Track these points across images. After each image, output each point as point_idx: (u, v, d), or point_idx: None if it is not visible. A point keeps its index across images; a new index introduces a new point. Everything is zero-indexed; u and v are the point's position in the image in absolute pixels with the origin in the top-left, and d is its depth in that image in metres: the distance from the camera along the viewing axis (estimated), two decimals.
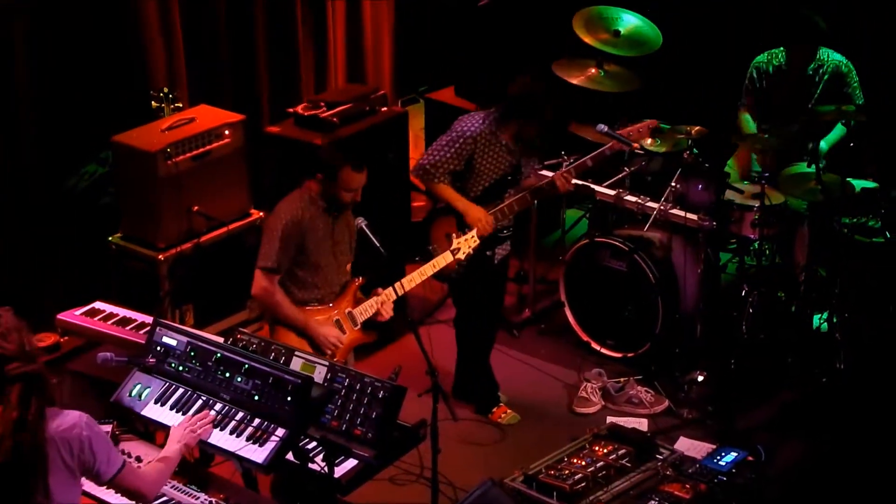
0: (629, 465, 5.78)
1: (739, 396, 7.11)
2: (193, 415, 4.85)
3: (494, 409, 7.13)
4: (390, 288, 6.14)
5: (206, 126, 6.96)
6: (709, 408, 7.08)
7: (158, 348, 5.14)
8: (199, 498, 4.66)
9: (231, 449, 4.78)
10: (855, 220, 7.32)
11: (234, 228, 7.11)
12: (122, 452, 4.86)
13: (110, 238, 7.01)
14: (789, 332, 7.43)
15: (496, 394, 7.20)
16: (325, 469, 4.77)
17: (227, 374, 4.96)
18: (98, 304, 6.13)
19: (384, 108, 7.78)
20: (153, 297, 6.80)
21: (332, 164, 5.95)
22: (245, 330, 5.63)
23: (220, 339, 5.30)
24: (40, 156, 7.20)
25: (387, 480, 6.22)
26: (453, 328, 7.28)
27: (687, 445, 6.46)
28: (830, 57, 7.55)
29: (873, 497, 6.35)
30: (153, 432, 5.10)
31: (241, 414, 4.87)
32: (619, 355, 7.58)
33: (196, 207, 6.90)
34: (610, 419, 6.74)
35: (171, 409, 4.99)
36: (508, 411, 7.13)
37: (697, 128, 7.39)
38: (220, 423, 4.87)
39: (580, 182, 7.68)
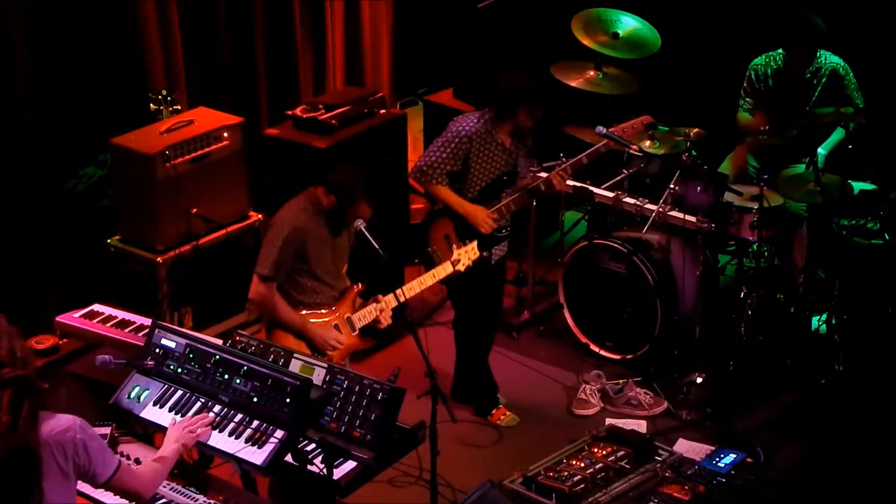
0: (628, 466, 5.79)
1: (738, 398, 7.11)
2: (192, 416, 4.85)
3: (493, 411, 7.13)
4: (391, 294, 6.13)
5: (204, 128, 6.96)
6: (708, 409, 7.08)
7: (157, 350, 5.14)
8: (198, 500, 4.66)
9: (230, 451, 4.77)
10: (854, 221, 7.32)
11: (233, 231, 7.11)
12: (122, 455, 4.87)
13: (109, 240, 7.01)
14: (788, 333, 7.43)
15: (495, 395, 7.20)
16: (324, 471, 4.77)
17: (226, 376, 4.96)
18: (97, 307, 6.12)
19: (383, 111, 7.78)
20: (152, 300, 6.80)
21: (349, 194, 5.92)
22: (244, 332, 5.63)
23: (219, 342, 5.29)
24: (39, 158, 7.20)
25: (386, 482, 6.22)
26: (452, 330, 7.28)
27: (686, 447, 6.47)
28: (828, 59, 7.56)
29: (873, 498, 6.35)
30: (152, 434, 5.09)
31: (239, 416, 4.87)
32: (617, 357, 7.58)
33: (195, 210, 6.90)
34: (609, 421, 6.73)
35: (170, 411, 4.98)
36: (508, 413, 7.14)
37: (696, 130, 7.39)
38: (219, 425, 4.86)
39: (579, 184, 7.68)
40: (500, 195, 6.83)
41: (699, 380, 7.28)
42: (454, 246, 6.47)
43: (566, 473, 5.68)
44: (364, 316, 6.12)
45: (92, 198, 7.43)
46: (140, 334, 5.69)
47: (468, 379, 7.19)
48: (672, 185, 7.33)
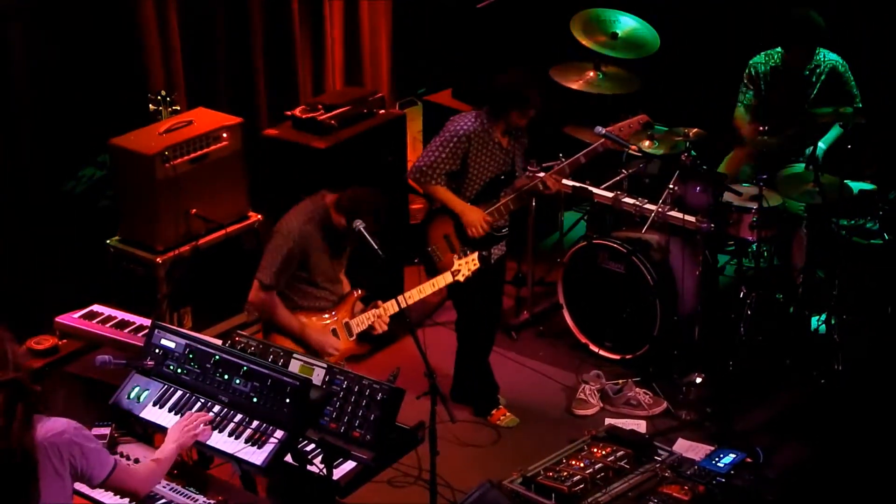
0: (628, 466, 5.79)
1: (738, 398, 7.11)
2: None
3: (493, 412, 7.13)
4: (391, 301, 6.12)
5: (203, 129, 6.96)
6: (707, 409, 7.08)
7: (157, 351, 5.15)
8: (197, 500, 4.66)
9: (230, 451, 4.78)
10: (853, 221, 7.32)
11: (232, 231, 7.10)
12: (121, 455, 4.87)
13: (108, 241, 7.00)
14: (787, 333, 7.43)
15: (496, 396, 7.20)
16: (324, 471, 4.77)
17: (226, 377, 4.97)
18: (96, 307, 6.13)
19: (382, 111, 7.79)
20: (151, 300, 6.80)
21: (356, 219, 5.93)
22: (243, 332, 5.64)
23: (219, 342, 5.30)
24: (38, 159, 7.19)
25: (385, 482, 6.22)
26: (451, 330, 7.28)
27: (685, 447, 6.47)
28: (826, 57, 7.56)
29: (872, 498, 6.35)
30: (152, 435, 5.10)
31: (239, 416, 4.88)
32: (617, 357, 7.58)
33: (194, 210, 6.89)
34: (608, 421, 6.73)
35: (170, 411, 4.99)
36: (507, 414, 7.13)
37: (695, 130, 7.39)
38: (218, 425, 4.87)
39: (578, 184, 7.69)
40: (499, 195, 6.83)
41: (698, 380, 7.28)
42: (455, 257, 6.46)
43: (566, 473, 5.68)
44: (362, 322, 6.12)
45: (91, 198, 7.43)
46: (140, 335, 5.69)
47: (468, 379, 7.19)
48: (671, 186, 7.33)
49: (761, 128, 7.48)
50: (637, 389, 7.20)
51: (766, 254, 7.51)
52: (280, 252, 5.91)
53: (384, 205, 6.04)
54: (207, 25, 7.89)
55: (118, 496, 4.57)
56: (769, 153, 7.52)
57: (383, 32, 8.90)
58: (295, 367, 5.14)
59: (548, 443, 6.49)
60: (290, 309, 6.01)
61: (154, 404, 5.04)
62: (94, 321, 5.98)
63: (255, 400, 4.87)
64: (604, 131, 7.02)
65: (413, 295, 6.20)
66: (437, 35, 9.23)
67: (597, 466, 5.72)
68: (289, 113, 7.64)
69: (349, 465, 4.89)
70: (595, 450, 5.91)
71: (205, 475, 4.93)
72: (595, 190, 7.71)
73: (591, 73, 8.12)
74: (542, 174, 6.97)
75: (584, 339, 7.70)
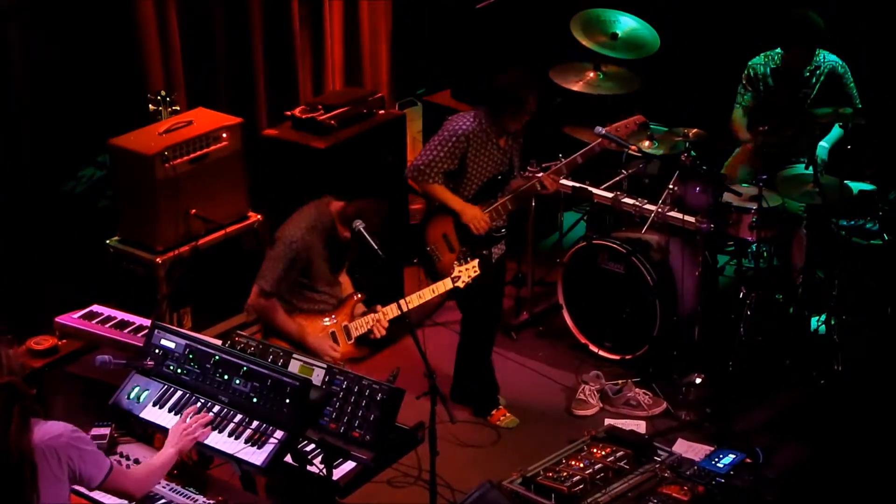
0: (627, 467, 5.79)
1: (737, 398, 7.11)
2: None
3: (493, 412, 7.13)
4: (392, 305, 6.11)
5: (203, 129, 6.95)
6: (707, 410, 7.08)
7: (157, 351, 5.15)
8: (197, 500, 4.66)
9: (229, 451, 4.78)
10: (853, 222, 7.32)
11: (232, 231, 7.10)
12: (121, 455, 4.87)
13: (108, 241, 7.00)
14: (787, 334, 7.43)
15: (496, 396, 7.20)
16: (324, 471, 4.77)
17: (226, 377, 4.97)
18: (96, 307, 6.13)
19: (382, 111, 7.79)
20: (151, 300, 6.79)
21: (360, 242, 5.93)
22: (243, 332, 5.65)
23: (219, 342, 5.30)
24: (38, 159, 7.19)
25: (385, 482, 6.22)
26: (451, 330, 7.29)
27: (685, 447, 6.48)
28: (826, 58, 7.56)
29: (872, 499, 6.35)
30: (152, 435, 5.09)
31: (239, 416, 4.88)
32: (617, 357, 7.59)
33: (194, 210, 6.89)
34: (608, 421, 6.73)
35: (170, 411, 4.99)
36: (507, 414, 7.13)
37: (695, 130, 7.38)
38: (218, 426, 4.87)
39: (578, 184, 7.69)
40: (496, 195, 6.83)
41: (698, 380, 7.28)
42: (456, 263, 6.45)
43: (565, 474, 5.68)
44: (361, 325, 6.11)
45: (91, 198, 7.43)
46: (139, 335, 5.70)
47: (467, 379, 7.19)
48: (671, 186, 7.33)
49: (761, 128, 7.48)
50: (637, 390, 7.20)
51: (765, 254, 7.51)
52: (282, 260, 5.90)
53: (387, 215, 6.04)
54: (207, 25, 7.88)
55: (114, 497, 4.57)
56: (769, 154, 7.52)
57: (383, 33, 8.90)
58: (295, 367, 5.14)
59: (547, 443, 6.49)
60: (289, 312, 6.00)
61: (154, 404, 5.04)
62: (94, 321, 5.98)
63: (254, 400, 4.87)
64: (604, 131, 7.03)
65: (413, 300, 6.20)
66: (436, 35, 9.23)
67: (596, 467, 5.72)
68: (288, 113, 7.64)
69: (349, 465, 4.89)
70: (595, 450, 5.91)
71: (204, 475, 4.93)
72: (595, 190, 7.71)
73: (591, 74, 8.13)
74: (540, 174, 6.98)
75: (583, 340, 7.70)
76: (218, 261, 7.02)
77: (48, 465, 4.09)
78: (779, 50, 7.62)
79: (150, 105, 7.16)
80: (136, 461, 4.82)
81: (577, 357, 7.66)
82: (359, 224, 5.91)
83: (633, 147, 7.47)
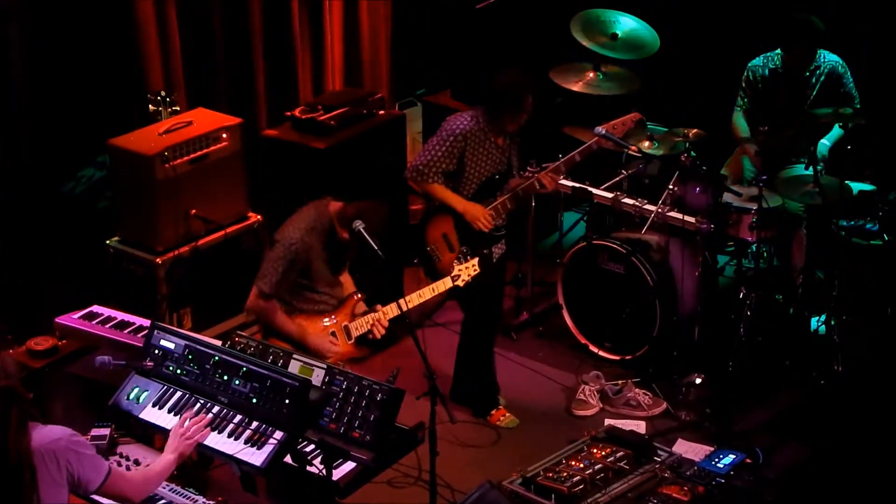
0: (627, 467, 5.79)
1: (737, 399, 7.11)
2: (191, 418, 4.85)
3: (493, 412, 7.12)
4: (392, 304, 6.11)
5: (203, 129, 6.95)
6: (707, 410, 7.07)
7: (156, 351, 5.15)
8: (197, 500, 4.66)
9: (229, 452, 4.78)
10: (853, 222, 7.32)
11: (232, 232, 7.10)
12: (121, 456, 4.87)
13: (108, 241, 7.00)
14: (787, 334, 7.43)
15: (496, 396, 7.19)
16: (324, 472, 4.77)
17: (225, 377, 4.97)
18: (96, 308, 6.13)
19: (381, 112, 7.79)
20: (151, 301, 6.79)
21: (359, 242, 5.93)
22: (243, 333, 5.64)
23: (218, 342, 5.30)
24: (38, 159, 7.19)
25: (385, 483, 6.22)
26: (451, 331, 7.28)
27: (685, 448, 6.48)
28: (826, 58, 7.55)
29: (872, 498, 6.35)
30: (151, 435, 5.09)
31: (239, 417, 4.88)
32: (617, 358, 7.58)
33: (194, 211, 6.89)
34: (608, 421, 6.73)
35: (170, 412, 4.99)
36: (507, 414, 7.13)
37: (695, 130, 7.38)
38: (218, 426, 4.87)
39: (578, 185, 7.69)
40: (495, 194, 6.84)
41: (698, 380, 7.27)
42: (455, 261, 6.45)
43: (565, 474, 5.68)
44: (361, 325, 6.11)
45: (91, 199, 7.43)
46: (139, 335, 5.70)
47: (467, 380, 7.18)
48: (671, 186, 7.33)
49: (761, 128, 7.48)
50: (637, 390, 7.20)
51: (765, 254, 7.52)
52: (281, 262, 5.90)
53: (386, 216, 6.04)
54: (207, 25, 7.88)
55: (112, 500, 4.56)
56: (769, 154, 7.51)
57: (383, 33, 8.90)
58: (294, 367, 5.14)
59: (547, 443, 6.49)
60: (289, 313, 6.00)
61: (153, 405, 5.04)
62: (94, 322, 5.99)
63: (254, 401, 4.87)
64: (603, 132, 7.03)
65: (413, 299, 6.20)
66: (436, 35, 9.23)
67: (596, 467, 5.72)
68: (288, 113, 7.64)
69: (349, 465, 4.89)
70: (595, 450, 5.92)
71: (204, 476, 4.93)
72: (595, 190, 7.71)
73: (591, 74, 8.12)
74: (539, 173, 6.98)
75: (583, 340, 7.70)
76: (218, 261, 7.02)
77: (47, 469, 4.09)
78: (779, 51, 7.62)
79: (149, 105, 7.16)
80: (136, 462, 4.82)
81: (577, 357, 7.66)
82: (359, 224, 5.91)
83: (633, 147, 7.47)
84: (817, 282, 7.50)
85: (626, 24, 8.25)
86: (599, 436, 6.09)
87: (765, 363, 7.33)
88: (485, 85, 6.93)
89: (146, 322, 5.78)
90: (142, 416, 5.03)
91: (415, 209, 8.05)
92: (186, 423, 4.80)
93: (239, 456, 4.76)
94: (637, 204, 7.50)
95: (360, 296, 6.19)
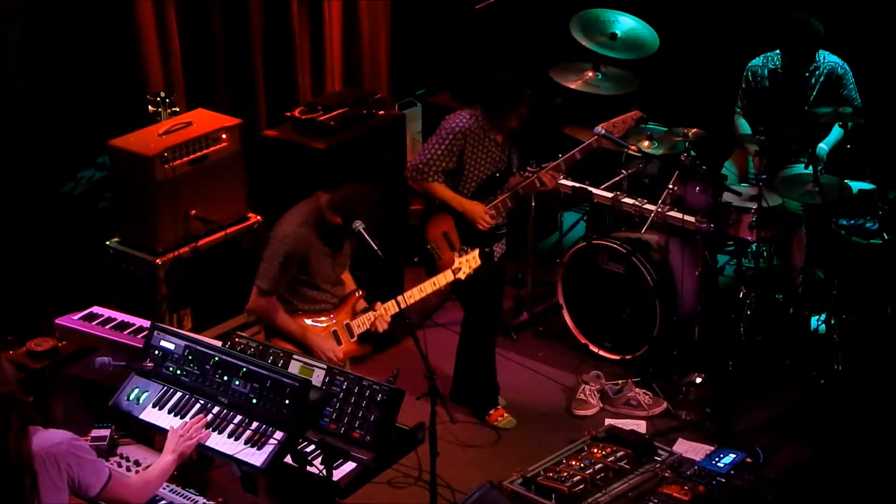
0: (627, 467, 5.79)
1: (737, 398, 7.11)
2: (191, 418, 4.85)
3: (492, 412, 7.12)
4: (391, 301, 6.12)
5: (203, 130, 6.95)
6: (707, 410, 7.07)
7: (156, 352, 5.15)
8: (197, 501, 4.66)
9: (229, 452, 4.78)
10: (852, 221, 7.32)
11: (232, 232, 7.10)
12: (121, 457, 4.87)
13: (108, 242, 7.00)
14: (787, 334, 7.43)
15: (495, 397, 7.19)
16: (324, 472, 4.77)
17: (226, 378, 4.97)
18: (96, 309, 6.13)
19: (381, 112, 7.79)
20: (151, 302, 6.79)
21: (354, 216, 5.91)
22: (243, 333, 5.64)
23: (218, 343, 5.30)
24: (37, 160, 7.19)
25: (385, 483, 6.22)
26: (451, 331, 7.28)
27: (685, 447, 6.48)
28: (826, 59, 7.55)
29: (872, 498, 6.34)
30: (152, 436, 5.09)
31: (239, 417, 4.88)
32: (617, 357, 7.58)
33: (193, 211, 6.89)
34: (608, 421, 6.73)
35: (170, 412, 4.99)
36: (505, 415, 7.12)
37: (695, 130, 7.38)
38: (218, 427, 4.87)
39: (577, 184, 7.69)
40: (496, 192, 6.84)
41: (698, 380, 7.28)
42: (456, 254, 6.45)
43: (565, 474, 5.68)
44: (362, 323, 6.11)
45: (91, 200, 7.43)
46: (139, 336, 5.69)
47: (467, 380, 7.18)
48: (671, 186, 7.33)
49: (760, 128, 7.48)
50: (637, 390, 7.20)
51: (765, 254, 7.52)
52: (276, 257, 5.90)
53: (378, 200, 6.03)
54: (207, 26, 7.89)
55: None
56: (770, 154, 7.52)
57: (382, 33, 8.90)
58: (294, 368, 5.14)
59: (547, 443, 6.49)
60: (290, 313, 6.00)
61: (154, 406, 5.04)
62: (94, 323, 5.98)
63: (254, 401, 4.87)
64: (603, 132, 7.03)
65: (414, 294, 6.20)
66: (436, 36, 9.23)
67: (597, 467, 5.72)
68: (288, 114, 7.64)
69: (349, 465, 4.89)
70: (595, 450, 5.92)
71: (205, 476, 4.92)
72: (594, 190, 7.72)
73: (591, 74, 8.12)
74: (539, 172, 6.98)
75: (583, 340, 7.70)
76: (218, 262, 7.02)
77: (47, 473, 4.09)
78: (778, 51, 7.62)
79: (149, 106, 7.16)
80: (136, 462, 4.82)
81: (577, 357, 7.66)
82: (359, 224, 5.91)
83: (633, 147, 7.47)
84: (817, 281, 7.50)
85: (625, 23, 8.25)
86: (600, 435, 6.09)
87: (765, 363, 7.33)
88: (483, 83, 6.93)
89: (146, 323, 5.77)
90: (142, 416, 5.03)
91: (415, 209, 8.05)
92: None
93: (239, 456, 4.76)
94: (637, 204, 7.50)
95: (360, 293, 6.19)
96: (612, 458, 5.83)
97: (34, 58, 7.07)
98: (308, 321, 6.02)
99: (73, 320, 6.03)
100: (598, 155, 7.19)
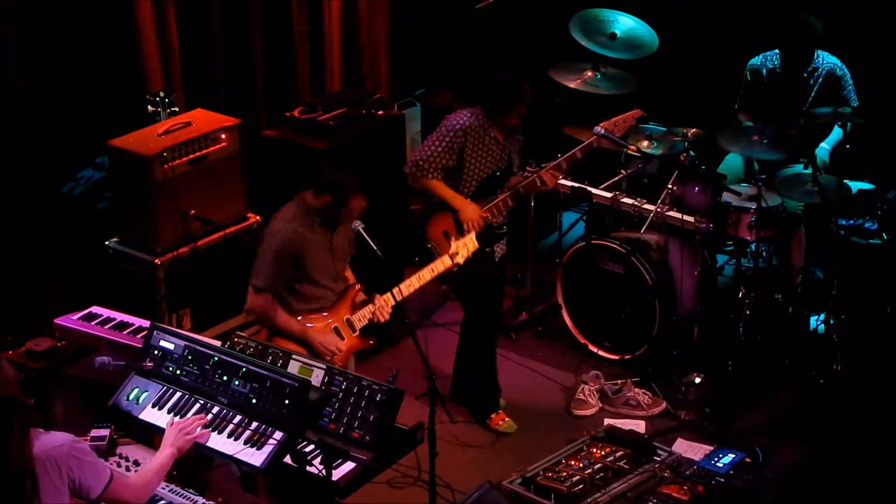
0: (627, 467, 5.79)
1: (737, 398, 7.11)
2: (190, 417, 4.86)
3: (493, 416, 7.09)
4: (388, 293, 6.13)
5: (202, 130, 6.95)
6: (706, 409, 7.07)
7: (156, 352, 5.15)
8: (197, 501, 4.66)
9: (229, 452, 4.78)
10: (852, 221, 7.32)
11: (231, 232, 7.10)
12: (120, 456, 4.87)
13: (107, 242, 7.00)
14: (786, 333, 7.43)
15: (496, 400, 7.15)
16: (323, 472, 4.77)
17: (225, 378, 4.97)
18: (95, 309, 6.13)
19: (381, 112, 7.79)
20: (150, 302, 6.79)
21: (342, 191, 5.90)
22: (242, 333, 5.64)
23: (218, 343, 5.30)
24: (37, 160, 7.19)
25: (385, 483, 6.22)
26: (451, 331, 7.28)
27: (684, 447, 6.48)
28: (825, 60, 7.55)
29: (871, 498, 6.35)
30: (151, 436, 5.09)
31: (238, 417, 4.88)
32: (616, 357, 7.58)
33: (193, 211, 6.89)
34: (607, 421, 6.74)
35: (169, 412, 4.99)
36: (506, 419, 7.09)
37: (694, 130, 7.38)
38: (217, 427, 4.87)
39: (577, 184, 7.69)
40: (496, 191, 6.83)
41: (698, 380, 7.28)
42: (452, 239, 6.46)
43: (565, 474, 5.68)
44: (363, 316, 6.11)
45: (90, 200, 7.43)
46: (138, 336, 5.69)
47: (467, 380, 7.17)
48: (670, 186, 7.33)
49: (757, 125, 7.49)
50: (636, 390, 7.20)
51: (764, 254, 7.52)
52: (267, 254, 5.90)
53: (358, 173, 6.01)
54: (206, 26, 7.89)
55: None
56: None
57: (382, 33, 8.90)
58: (294, 368, 5.14)
59: (547, 443, 6.49)
60: (290, 314, 5.99)
61: (153, 406, 5.04)
62: (93, 322, 5.98)
63: (254, 401, 4.87)
64: (602, 132, 7.03)
65: (412, 283, 6.22)
66: (436, 36, 9.23)
67: (596, 467, 5.73)
68: (287, 114, 7.64)
69: (348, 465, 4.89)
70: (594, 450, 5.92)
71: (204, 476, 4.92)
72: (594, 190, 7.72)
73: (590, 74, 8.12)
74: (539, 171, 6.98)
75: (582, 340, 7.70)
76: (217, 262, 7.02)
77: (48, 476, 4.09)
78: (777, 51, 7.62)
79: (149, 106, 7.16)
80: (136, 462, 4.82)
81: (577, 357, 7.66)
82: (358, 224, 5.92)
83: (632, 147, 7.47)
84: (816, 281, 7.50)
85: (624, 23, 8.24)
86: (599, 435, 6.09)
87: (764, 362, 7.33)
88: (482, 83, 6.93)
89: (145, 323, 5.77)
90: (141, 416, 5.03)
91: (415, 209, 8.05)
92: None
93: (239, 456, 4.76)
94: (636, 203, 7.51)
95: (359, 286, 6.18)
96: (612, 458, 5.83)
97: (34, 58, 7.07)
98: (308, 321, 6.02)
99: (72, 320, 6.03)
100: (598, 155, 7.20)
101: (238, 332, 5.60)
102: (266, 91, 8.24)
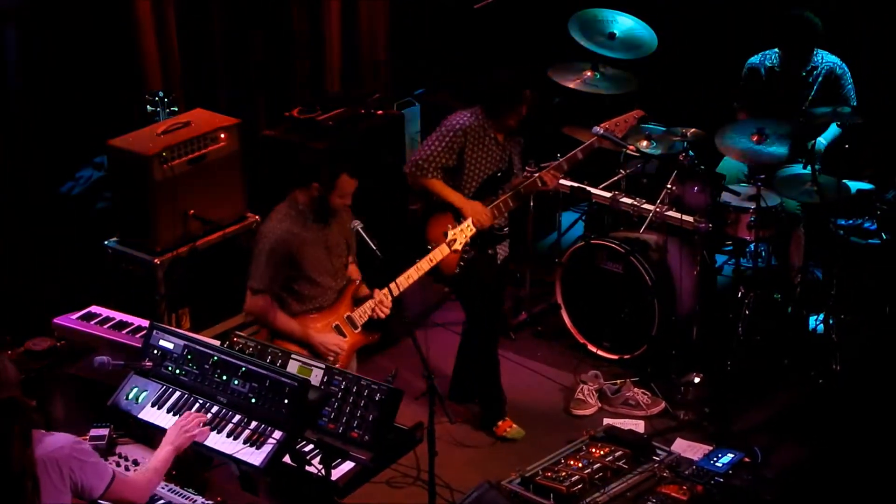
0: (626, 466, 5.79)
1: (736, 398, 7.11)
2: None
3: (500, 423, 7.04)
4: (386, 288, 6.14)
5: (201, 130, 6.95)
6: (705, 409, 7.08)
7: (155, 352, 5.15)
8: (196, 501, 4.66)
9: (228, 452, 4.78)
10: (851, 221, 7.32)
11: (231, 232, 7.10)
12: (120, 456, 4.87)
13: (106, 242, 7.00)
14: (785, 333, 7.44)
15: (502, 407, 7.09)
16: (322, 472, 4.77)
17: (224, 377, 4.97)
18: (94, 308, 6.12)
19: (380, 112, 7.79)
20: (149, 301, 6.79)
21: (326, 171, 5.90)
22: (242, 333, 5.64)
23: (217, 343, 5.30)
24: (36, 160, 7.20)
25: (384, 483, 6.23)
26: (451, 331, 7.28)
27: (684, 447, 6.48)
28: (825, 59, 7.56)
29: (870, 498, 6.35)
30: (151, 435, 5.09)
31: (237, 417, 4.88)
32: (615, 357, 7.59)
33: (192, 211, 6.89)
34: (606, 421, 6.74)
35: (169, 412, 5.00)
36: (513, 426, 7.02)
37: (693, 130, 7.39)
38: (217, 426, 4.87)
39: (576, 184, 7.70)
40: (497, 192, 6.83)
41: (697, 380, 7.28)
42: (449, 228, 6.45)
43: (564, 474, 5.68)
44: (363, 312, 6.11)
45: (89, 199, 7.42)
46: (138, 336, 5.69)
47: (467, 380, 7.17)
48: (669, 186, 7.34)
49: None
50: (635, 389, 7.20)
51: (763, 254, 7.52)
52: (262, 255, 5.90)
53: (337, 149, 6.01)
54: (206, 25, 7.89)
55: None
56: None
57: (382, 33, 8.91)
58: (293, 367, 5.14)
59: (546, 443, 6.49)
60: (289, 316, 5.99)
61: (152, 405, 5.04)
62: (93, 322, 5.98)
63: (253, 401, 4.87)
64: (601, 132, 7.03)
65: (411, 274, 6.22)
66: (435, 36, 9.23)
67: (595, 466, 5.73)
68: (287, 114, 7.64)
69: (348, 465, 4.89)
70: (593, 450, 5.92)
71: (203, 476, 4.93)
72: (593, 190, 7.72)
73: (589, 73, 8.12)
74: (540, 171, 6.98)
75: (582, 340, 7.71)
76: (216, 261, 7.02)
77: (49, 478, 4.09)
78: (776, 49, 7.62)
79: (148, 106, 7.16)
80: (135, 462, 4.82)
81: (576, 357, 7.66)
82: (357, 224, 5.91)
83: (632, 147, 7.47)
84: (816, 281, 7.50)
85: (623, 23, 8.24)
86: (598, 435, 6.09)
87: (763, 362, 7.33)
88: (482, 83, 6.93)
89: (145, 322, 5.77)
90: (141, 416, 5.03)
91: (415, 209, 8.04)
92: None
93: (238, 456, 4.76)
94: (635, 203, 7.51)
95: (359, 281, 6.18)
96: (611, 457, 5.83)
97: (34, 58, 7.07)
98: (308, 321, 6.01)
99: (71, 320, 6.02)
100: (597, 155, 7.20)
101: (237, 332, 5.60)
102: (265, 91, 8.24)
